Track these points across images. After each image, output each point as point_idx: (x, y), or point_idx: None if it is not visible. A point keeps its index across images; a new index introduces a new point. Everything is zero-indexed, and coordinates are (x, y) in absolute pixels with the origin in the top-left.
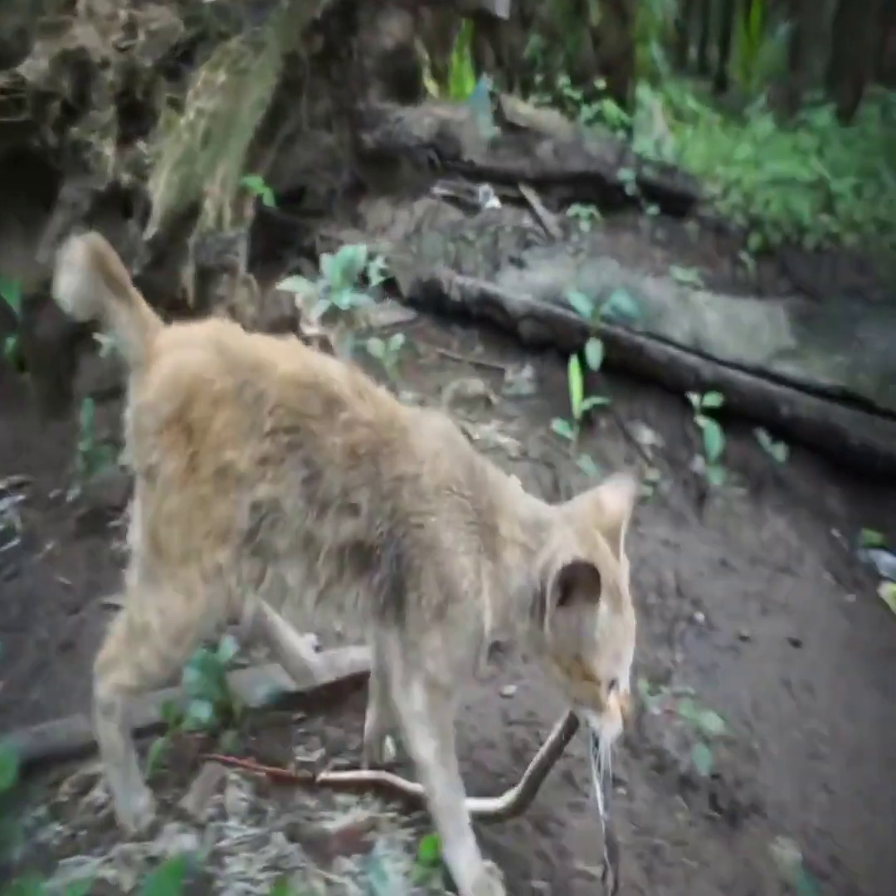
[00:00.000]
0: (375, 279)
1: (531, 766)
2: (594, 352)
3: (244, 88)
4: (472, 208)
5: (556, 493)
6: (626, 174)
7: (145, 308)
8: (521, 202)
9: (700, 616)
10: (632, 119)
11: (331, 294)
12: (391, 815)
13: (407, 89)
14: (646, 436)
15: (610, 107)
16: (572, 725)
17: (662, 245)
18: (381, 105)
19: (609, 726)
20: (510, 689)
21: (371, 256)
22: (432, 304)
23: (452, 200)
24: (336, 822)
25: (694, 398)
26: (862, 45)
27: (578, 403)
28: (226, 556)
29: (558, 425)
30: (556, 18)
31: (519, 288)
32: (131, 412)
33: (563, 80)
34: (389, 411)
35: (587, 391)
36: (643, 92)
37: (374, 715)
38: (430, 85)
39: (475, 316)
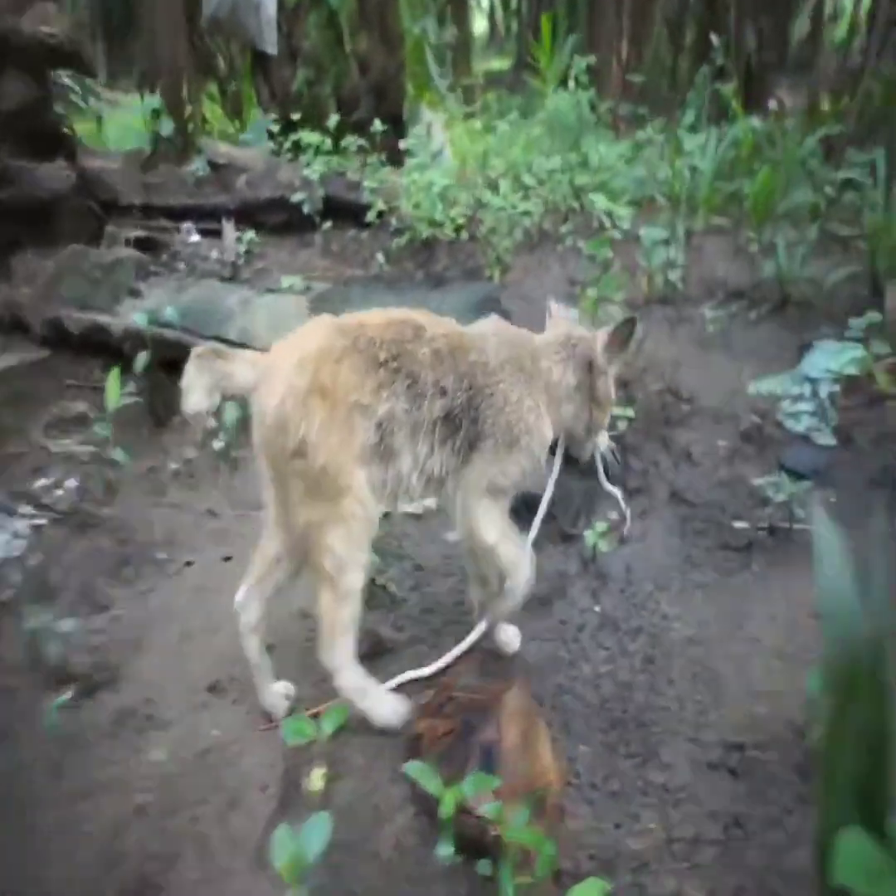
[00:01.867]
0: None
1: (538, 514)
2: (141, 358)
3: None
4: (166, 245)
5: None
6: (300, 196)
7: (241, 352)
8: (220, 233)
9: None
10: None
11: None
12: None
13: (44, 145)
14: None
15: (309, 135)
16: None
17: (333, 254)
18: (15, 162)
19: (605, 434)
20: None
21: None
22: (61, 340)
23: (145, 241)
24: None
25: None
26: None
27: (114, 403)
28: (364, 475)
29: (97, 427)
30: (320, 50)
31: (134, 314)
32: (269, 416)
33: (273, 116)
34: (456, 327)
35: (157, 392)
36: (425, 110)
37: (474, 588)
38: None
39: (93, 344)
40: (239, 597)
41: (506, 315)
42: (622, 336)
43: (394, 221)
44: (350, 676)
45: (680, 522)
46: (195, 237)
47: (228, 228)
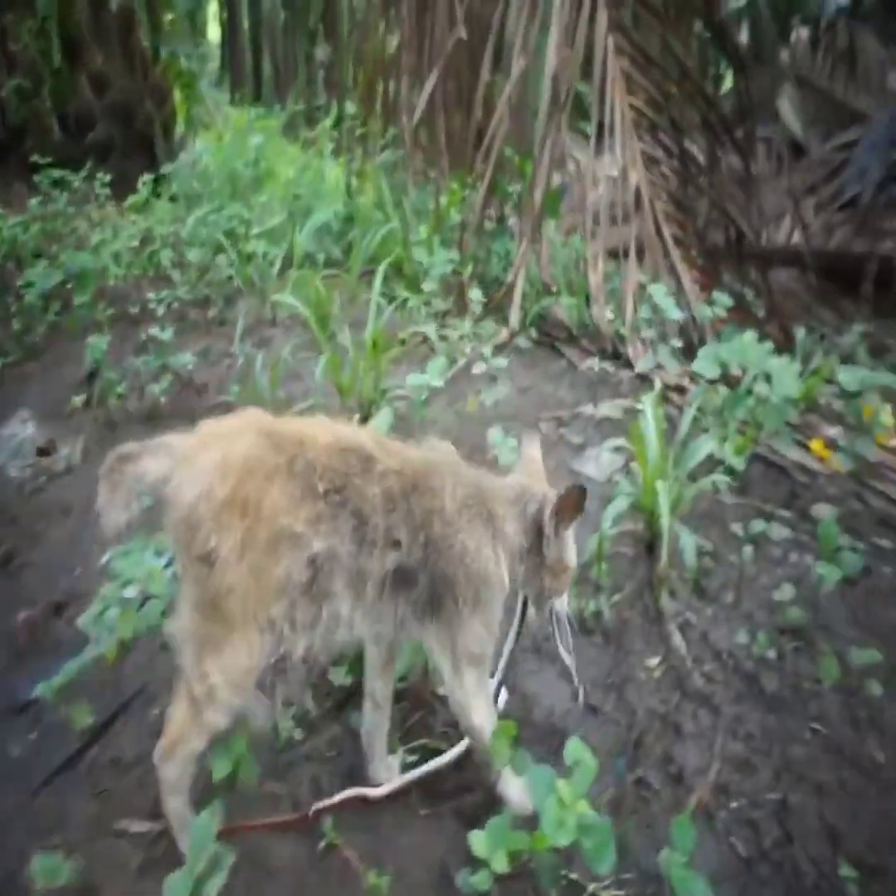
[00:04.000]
0: None
1: (503, 656)
2: None
3: None
4: None
5: None
6: None
7: (156, 442)
8: None
9: None
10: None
11: None
12: None
13: None
14: None
15: None
16: (524, 615)
17: None
18: None
19: (565, 597)
20: None
21: None
22: None
23: None
24: None
25: None
26: None
27: None
28: (280, 609)
29: None
30: (38, 60)
31: None
32: (180, 511)
33: None
34: (409, 459)
35: None
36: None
37: (371, 729)
38: None
39: None
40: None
41: None
42: (572, 503)
43: None
44: (176, 803)
45: None
46: None
47: None
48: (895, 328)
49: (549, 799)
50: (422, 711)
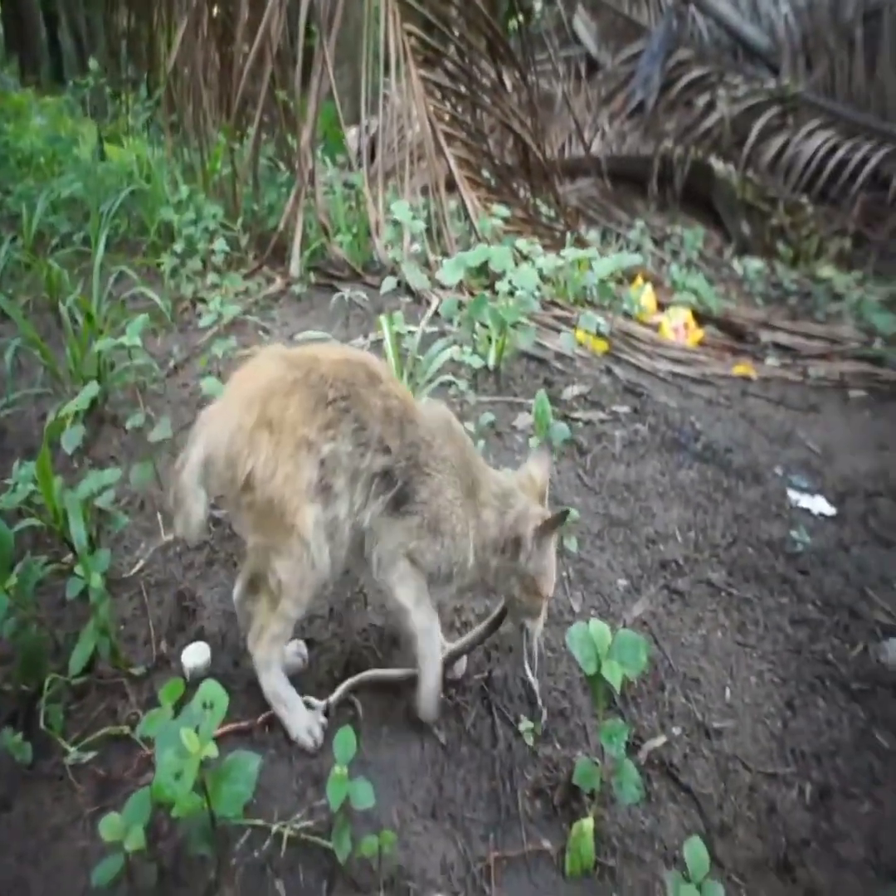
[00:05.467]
0: None
1: (465, 638)
2: None
3: None
4: None
5: None
6: None
7: (194, 428)
8: None
9: None
10: None
11: None
12: None
13: None
14: None
15: None
16: (500, 619)
17: None
18: None
19: (539, 624)
20: None
21: None
22: None
23: None
24: None
25: None
26: None
27: None
28: (311, 515)
29: None
30: None
31: None
32: (220, 458)
33: None
34: (409, 396)
35: None
36: None
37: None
38: None
39: None
40: (236, 593)
41: None
42: (551, 526)
43: None
44: (272, 680)
45: None
46: None
47: None
48: (675, 217)
49: (166, 751)
50: (109, 698)
